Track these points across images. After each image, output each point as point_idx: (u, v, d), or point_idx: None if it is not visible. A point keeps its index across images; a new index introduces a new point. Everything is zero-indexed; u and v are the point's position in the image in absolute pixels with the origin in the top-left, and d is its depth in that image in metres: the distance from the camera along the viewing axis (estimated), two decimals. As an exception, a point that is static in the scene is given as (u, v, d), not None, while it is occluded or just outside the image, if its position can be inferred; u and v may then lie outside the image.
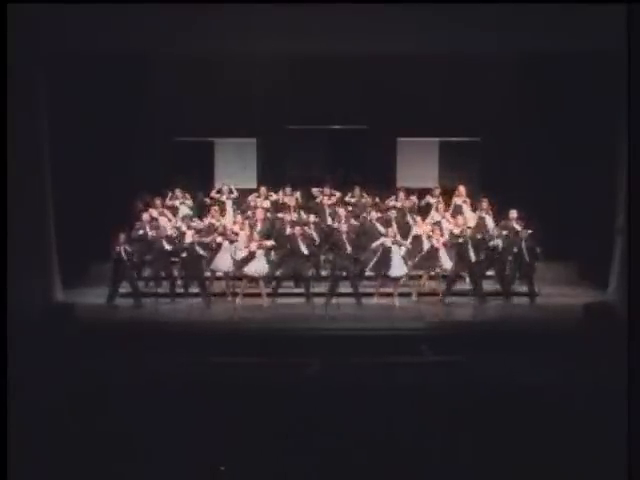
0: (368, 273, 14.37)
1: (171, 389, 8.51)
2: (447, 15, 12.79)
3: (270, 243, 14.12)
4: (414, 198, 15.50)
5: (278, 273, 14.28)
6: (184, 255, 14.03)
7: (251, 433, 7.25)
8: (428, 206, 15.56)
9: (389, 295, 14.13)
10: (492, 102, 15.87)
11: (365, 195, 15.55)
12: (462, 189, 15.62)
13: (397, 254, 13.92)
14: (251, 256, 13.83)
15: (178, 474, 6.79)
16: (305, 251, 13.99)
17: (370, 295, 14.22)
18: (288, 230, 14.26)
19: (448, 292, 14.17)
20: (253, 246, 13.85)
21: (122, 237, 13.87)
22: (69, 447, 6.95)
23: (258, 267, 13.88)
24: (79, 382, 8.79)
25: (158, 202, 15.18)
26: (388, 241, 13.94)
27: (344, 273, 14.06)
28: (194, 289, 14.30)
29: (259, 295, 14.02)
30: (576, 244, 15.18)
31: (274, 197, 15.50)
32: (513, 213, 14.55)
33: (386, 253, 13.87)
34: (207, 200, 15.74)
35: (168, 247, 14.19)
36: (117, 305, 14.00)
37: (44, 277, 13.65)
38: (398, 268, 13.89)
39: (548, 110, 15.57)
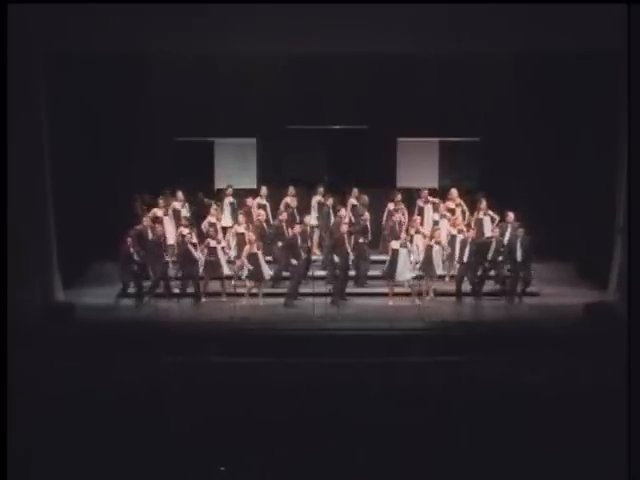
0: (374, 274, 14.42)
1: (171, 388, 8.52)
2: (447, 15, 12.78)
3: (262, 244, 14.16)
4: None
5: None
6: (182, 256, 14.09)
7: (251, 432, 7.26)
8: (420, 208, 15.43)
9: (403, 295, 14.15)
10: (492, 102, 15.85)
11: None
12: (454, 192, 15.55)
13: (405, 257, 13.90)
14: (251, 258, 13.79)
15: (179, 472, 6.79)
16: (301, 252, 14.01)
17: (370, 295, 14.24)
18: (289, 231, 14.29)
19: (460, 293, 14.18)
20: (252, 248, 13.83)
21: (132, 237, 13.91)
22: (69, 446, 6.96)
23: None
24: (79, 381, 8.81)
25: (161, 202, 15.10)
26: (397, 244, 13.95)
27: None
28: (191, 289, 14.26)
29: (256, 295, 14.01)
30: (576, 244, 15.17)
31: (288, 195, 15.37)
32: (510, 215, 14.55)
33: (394, 256, 13.88)
34: (207, 200, 15.66)
35: (169, 248, 14.26)
36: (117, 305, 13.99)
37: (44, 277, 13.63)
38: (403, 272, 13.89)
39: (548, 110, 15.55)
